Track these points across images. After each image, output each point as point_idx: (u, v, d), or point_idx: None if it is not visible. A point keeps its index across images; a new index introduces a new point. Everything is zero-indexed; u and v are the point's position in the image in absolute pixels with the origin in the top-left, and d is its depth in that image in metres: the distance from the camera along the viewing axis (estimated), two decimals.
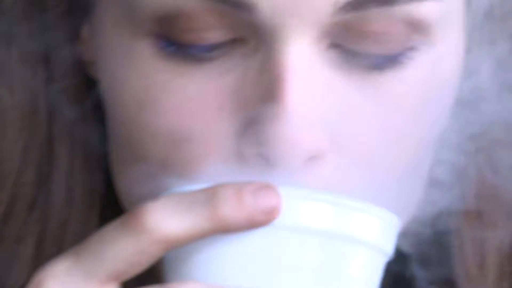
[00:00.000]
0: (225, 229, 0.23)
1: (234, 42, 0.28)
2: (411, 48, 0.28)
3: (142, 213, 0.23)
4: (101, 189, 0.36)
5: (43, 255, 0.34)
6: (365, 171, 0.28)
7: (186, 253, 0.24)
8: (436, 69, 0.30)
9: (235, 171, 0.27)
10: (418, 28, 0.28)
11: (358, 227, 0.23)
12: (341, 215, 0.23)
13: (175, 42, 0.28)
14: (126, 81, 0.30)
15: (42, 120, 0.35)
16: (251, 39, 0.27)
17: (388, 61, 0.28)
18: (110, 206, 0.35)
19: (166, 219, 0.23)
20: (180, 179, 0.27)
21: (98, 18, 0.32)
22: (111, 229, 0.24)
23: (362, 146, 0.28)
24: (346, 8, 0.26)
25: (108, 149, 0.34)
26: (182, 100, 0.28)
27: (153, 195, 0.26)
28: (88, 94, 0.35)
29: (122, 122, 0.31)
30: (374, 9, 0.27)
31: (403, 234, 0.36)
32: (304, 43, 0.26)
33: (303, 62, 0.26)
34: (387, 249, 0.25)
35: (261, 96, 0.27)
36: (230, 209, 0.22)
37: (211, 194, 0.23)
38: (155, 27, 0.28)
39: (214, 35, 0.27)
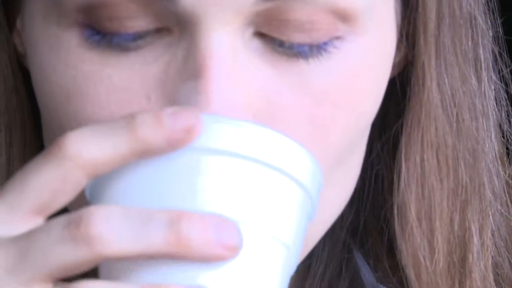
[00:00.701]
0: (146, 151, 0.23)
1: (159, 31, 0.28)
2: (337, 38, 0.28)
3: (63, 141, 0.22)
4: None
5: None
6: None
7: (108, 180, 0.24)
8: (362, 59, 0.30)
9: None
10: (343, 17, 0.28)
11: (283, 158, 0.23)
12: (262, 141, 0.23)
13: (100, 31, 0.28)
14: (53, 72, 0.29)
15: None
16: (175, 28, 0.27)
17: (313, 50, 0.28)
18: None
19: (87, 144, 0.22)
20: None
21: (28, 10, 0.32)
22: (34, 161, 0.23)
23: (288, 134, 0.28)
24: None
25: (43, 138, 0.34)
26: (109, 89, 0.28)
27: None
28: (25, 85, 0.35)
29: (51, 112, 0.31)
30: None
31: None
32: (226, 32, 0.26)
33: (226, 50, 0.26)
34: (308, 185, 0.24)
35: (186, 84, 0.27)
36: (149, 129, 0.22)
37: (130, 118, 0.23)
38: (79, 16, 0.28)
39: (138, 24, 0.27)
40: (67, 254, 0.21)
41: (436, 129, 0.34)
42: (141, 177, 0.23)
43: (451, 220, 0.36)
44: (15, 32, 0.35)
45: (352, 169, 0.33)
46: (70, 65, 0.29)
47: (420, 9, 0.33)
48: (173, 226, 0.21)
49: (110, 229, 0.21)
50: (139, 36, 0.27)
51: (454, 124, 0.35)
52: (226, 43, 0.26)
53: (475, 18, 0.35)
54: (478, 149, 0.36)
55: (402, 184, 0.35)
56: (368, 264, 0.40)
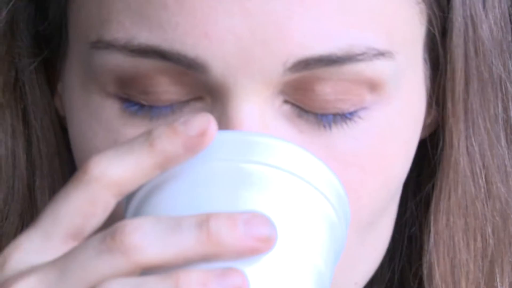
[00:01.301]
0: (167, 161, 0.23)
1: (193, 100, 0.29)
2: (363, 108, 0.29)
3: (88, 164, 0.23)
4: None
5: None
6: None
7: (146, 197, 0.25)
8: (388, 126, 0.31)
9: None
10: (370, 87, 0.29)
11: (322, 180, 0.24)
12: (304, 161, 0.24)
13: (137, 102, 0.30)
14: (94, 136, 0.31)
15: (22, 172, 0.37)
16: (207, 97, 0.29)
17: (337, 120, 0.29)
18: None
19: (110, 165, 0.23)
20: None
21: (68, 76, 0.34)
22: (64, 188, 0.24)
23: None
24: (295, 68, 0.27)
25: None
26: None
27: None
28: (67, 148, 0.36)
29: None
30: (323, 69, 0.28)
31: None
32: (256, 102, 0.28)
33: (256, 119, 0.28)
34: (341, 216, 0.25)
35: None
36: (166, 140, 0.23)
37: (147, 134, 0.23)
38: (116, 88, 0.30)
39: (173, 97, 0.29)
40: (105, 266, 0.21)
41: (464, 191, 0.35)
42: (177, 191, 0.24)
43: (478, 281, 0.36)
44: (56, 96, 0.37)
45: (383, 230, 0.34)
46: (111, 129, 0.30)
47: (448, 73, 0.33)
48: (203, 226, 0.21)
49: (144, 237, 0.21)
50: (175, 106, 0.29)
51: (483, 187, 0.35)
52: (256, 113, 0.28)
53: (505, 82, 0.35)
54: (508, 211, 0.36)
55: (431, 244, 0.35)
56: None
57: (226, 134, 0.25)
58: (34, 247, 0.23)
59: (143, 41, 0.28)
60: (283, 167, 0.23)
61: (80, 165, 0.32)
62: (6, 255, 0.24)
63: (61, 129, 0.37)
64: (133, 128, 0.30)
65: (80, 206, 0.23)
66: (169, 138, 0.23)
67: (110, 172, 0.23)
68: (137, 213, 0.25)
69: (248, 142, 0.24)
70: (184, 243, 0.21)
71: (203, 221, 0.21)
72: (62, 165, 0.37)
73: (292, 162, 0.23)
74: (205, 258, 0.21)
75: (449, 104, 0.33)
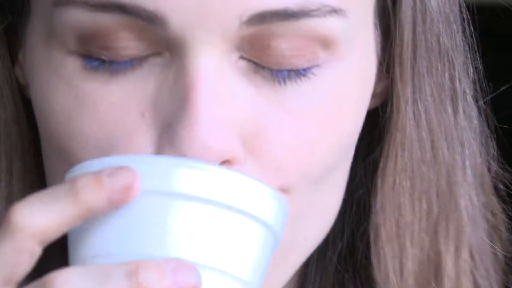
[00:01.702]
0: (91, 213, 0.24)
1: (153, 55, 0.30)
2: (317, 65, 0.31)
3: (12, 214, 0.24)
4: None
5: None
6: (279, 178, 0.31)
7: (79, 237, 0.25)
8: (341, 84, 0.32)
9: None
10: (323, 44, 0.30)
11: (240, 198, 0.25)
12: (220, 184, 0.25)
13: (98, 58, 0.30)
14: (55, 92, 0.32)
15: None
16: (166, 52, 0.30)
17: (291, 76, 0.31)
18: None
19: (33, 214, 0.23)
20: None
21: (29, 40, 0.34)
22: None
23: (274, 152, 0.30)
24: (251, 21, 0.29)
25: (43, 166, 0.36)
26: (107, 108, 0.30)
27: None
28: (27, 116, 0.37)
29: (53, 133, 0.33)
30: (278, 23, 0.29)
31: None
32: (213, 55, 0.29)
33: (213, 72, 0.29)
34: (272, 224, 0.26)
35: (176, 103, 0.29)
36: (90, 192, 0.23)
37: (71, 183, 0.24)
38: (78, 45, 0.31)
39: (132, 52, 0.30)
40: None
41: (411, 154, 0.36)
42: (108, 230, 0.25)
43: (422, 242, 0.37)
44: (17, 65, 0.37)
45: (335, 189, 0.35)
46: (72, 85, 0.31)
47: (397, 39, 0.35)
48: (132, 277, 0.22)
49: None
50: (134, 61, 0.30)
51: (429, 151, 0.37)
52: (212, 66, 0.29)
53: (452, 53, 0.37)
54: (453, 176, 0.37)
55: (377, 206, 0.36)
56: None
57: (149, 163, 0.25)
58: None
59: None
60: (204, 197, 0.24)
61: (43, 128, 0.34)
62: None
63: (21, 98, 0.37)
64: (94, 83, 0.31)
65: (7, 256, 0.24)
66: (92, 191, 0.24)
67: (34, 221, 0.23)
68: (73, 254, 0.26)
69: (171, 172, 0.25)
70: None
71: (133, 271, 0.22)
72: (20, 131, 0.37)
73: (215, 189, 0.24)
74: None
75: (397, 69, 0.35)
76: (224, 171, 0.25)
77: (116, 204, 0.24)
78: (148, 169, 0.24)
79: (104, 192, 0.24)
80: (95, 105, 0.31)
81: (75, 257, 0.26)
